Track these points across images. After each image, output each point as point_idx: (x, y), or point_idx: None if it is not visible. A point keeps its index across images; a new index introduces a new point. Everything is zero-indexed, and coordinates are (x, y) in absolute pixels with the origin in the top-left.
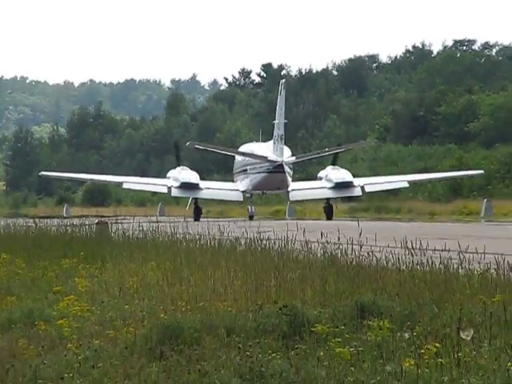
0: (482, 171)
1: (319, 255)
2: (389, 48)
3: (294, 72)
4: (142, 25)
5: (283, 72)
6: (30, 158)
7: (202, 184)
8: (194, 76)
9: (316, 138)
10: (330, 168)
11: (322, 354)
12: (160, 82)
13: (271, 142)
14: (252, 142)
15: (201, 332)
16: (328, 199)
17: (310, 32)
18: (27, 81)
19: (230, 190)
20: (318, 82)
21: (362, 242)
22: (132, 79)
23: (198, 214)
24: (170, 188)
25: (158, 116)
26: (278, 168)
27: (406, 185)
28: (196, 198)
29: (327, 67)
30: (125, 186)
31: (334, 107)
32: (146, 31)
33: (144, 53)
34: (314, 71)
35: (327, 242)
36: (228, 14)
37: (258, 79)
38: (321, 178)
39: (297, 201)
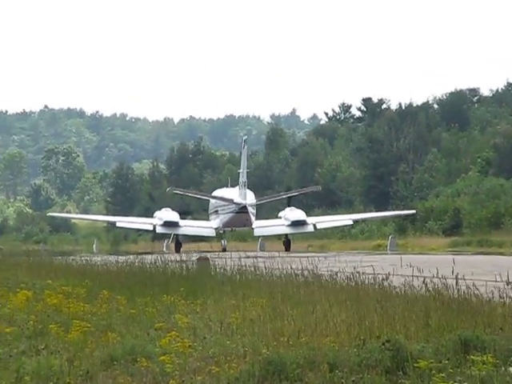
0: (414, 211)
1: (422, 289)
2: (490, 81)
3: (394, 106)
4: (241, 60)
5: (383, 106)
6: (131, 194)
7: (182, 222)
8: (294, 111)
9: (417, 172)
10: (288, 209)
11: None
12: (259, 117)
13: (237, 187)
14: (236, 187)
15: (303, 367)
16: (286, 235)
17: (410, 66)
18: (127, 118)
19: (204, 228)
20: (418, 115)
21: (464, 276)
22: (231, 115)
23: (178, 247)
24: (154, 226)
25: (257, 151)
26: (242, 209)
27: (351, 222)
28: (177, 234)
29: (428, 101)
30: (118, 224)
31: (434, 141)
32: (246, 67)
33: (243, 88)
34: (415, 105)
35: (430, 276)
36: (327, 49)
37: (358, 113)
38: (280, 217)
39: (261, 236)
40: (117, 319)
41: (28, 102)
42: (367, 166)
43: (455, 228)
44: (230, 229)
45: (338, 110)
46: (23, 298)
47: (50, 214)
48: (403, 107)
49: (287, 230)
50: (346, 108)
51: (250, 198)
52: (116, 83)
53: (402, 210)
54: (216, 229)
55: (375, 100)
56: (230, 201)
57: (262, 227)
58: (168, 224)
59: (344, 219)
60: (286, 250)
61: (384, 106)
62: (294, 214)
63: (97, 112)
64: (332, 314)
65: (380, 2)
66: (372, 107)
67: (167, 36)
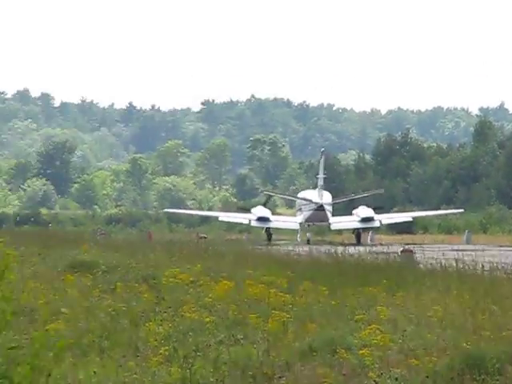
0: (462, 210)
1: None
2: None
3: None
4: (443, 51)
5: None
6: (336, 184)
7: (272, 218)
8: (502, 103)
9: None
10: (360, 207)
11: None
12: (468, 109)
13: (317, 189)
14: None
15: (504, 362)
16: (357, 229)
17: None
18: (333, 108)
19: (290, 222)
20: None
21: None
22: (439, 106)
23: (269, 238)
24: (250, 220)
25: (465, 143)
26: (320, 207)
27: (411, 219)
28: (268, 228)
29: None
30: (220, 218)
31: None
32: (447, 59)
33: (452, 80)
34: None
35: None
36: None
37: None
38: (353, 214)
39: (336, 229)
40: (317, 310)
41: (235, 91)
42: None
43: None
44: (311, 223)
45: None
46: (224, 288)
47: (167, 210)
48: None
49: (358, 225)
50: None
51: (326, 198)
52: (323, 73)
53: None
54: (300, 223)
55: None
56: (310, 201)
57: (337, 222)
58: (261, 219)
59: (405, 216)
60: (357, 242)
61: None
62: (364, 211)
63: (304, 102)
64: None
65: None
66: None
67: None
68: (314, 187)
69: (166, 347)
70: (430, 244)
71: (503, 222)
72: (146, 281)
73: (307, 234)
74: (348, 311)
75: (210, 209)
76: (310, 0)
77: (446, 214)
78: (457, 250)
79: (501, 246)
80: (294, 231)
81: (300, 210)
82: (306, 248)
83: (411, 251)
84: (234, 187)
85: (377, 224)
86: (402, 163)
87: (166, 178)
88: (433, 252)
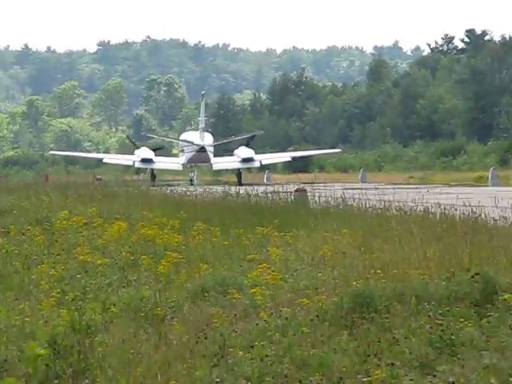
0: (339, 150)
1: None
2: None
3: (497, 38)
4: None
5: (486, 37)
6: (232, 124)
7: (156, 159)
8: (397, 42)
9: None
10: (241, 148)
11: None
12: (362, 48)
13: (199, 131)
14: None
15: (392, 300)
16: (238, 169)
17: None
18: (229, 48)
19: (173, 163)
20: None
21: None
22: (334, 46)
23: (153, 179)
24: (134, 162)
25: (360, 82)
26: (201, 149)
27: (289, 159)
28: (152, 169)
29: None
30: (104, 160)
31: None
32: None
33: (346, 19)
34: None
35: None
36: None
37: (461, 45)
38: (234, 155)
39: (218, 170)
40: (210, 251)
41: (130, 32)
42: (470, 98)
43: None
44: (193, 164)
45: (440, 41)
46: (118, 229)
47: (52, 152)
48: (507, 39)
49: (239, 165)
50: (448, 39)
51: (207, 140)
52: (218, 13)
53: (504, 141)
54: (183, 164)
55: (478, 31)
56: (191, 142)
57: (219, 163)
58: (144, 160)
59: (284, 156)
60: (238, 182)
61: (487, 37)
62: (244, 152)
63: (199, 42)
64: (423, 247)
65: None
66: (475, 39)
67: None
68: (197, 129)
69: (58, 290)
70: (325, 182)
71: (398, 160)
72: (39, 223)
73: (190, 175)
74: (240, 251)
75: (106, 150)
76: None
77: (327, 154)
78: (351, 189)
79: (394, 184)
80: (183, 172)
81: (182, 151)
82: (201, 189)
83: (305, 190)
84: (130, 128)
85: (257, 164)
86: (297, 103)
87: (62, 119)
88: (327, 191)
